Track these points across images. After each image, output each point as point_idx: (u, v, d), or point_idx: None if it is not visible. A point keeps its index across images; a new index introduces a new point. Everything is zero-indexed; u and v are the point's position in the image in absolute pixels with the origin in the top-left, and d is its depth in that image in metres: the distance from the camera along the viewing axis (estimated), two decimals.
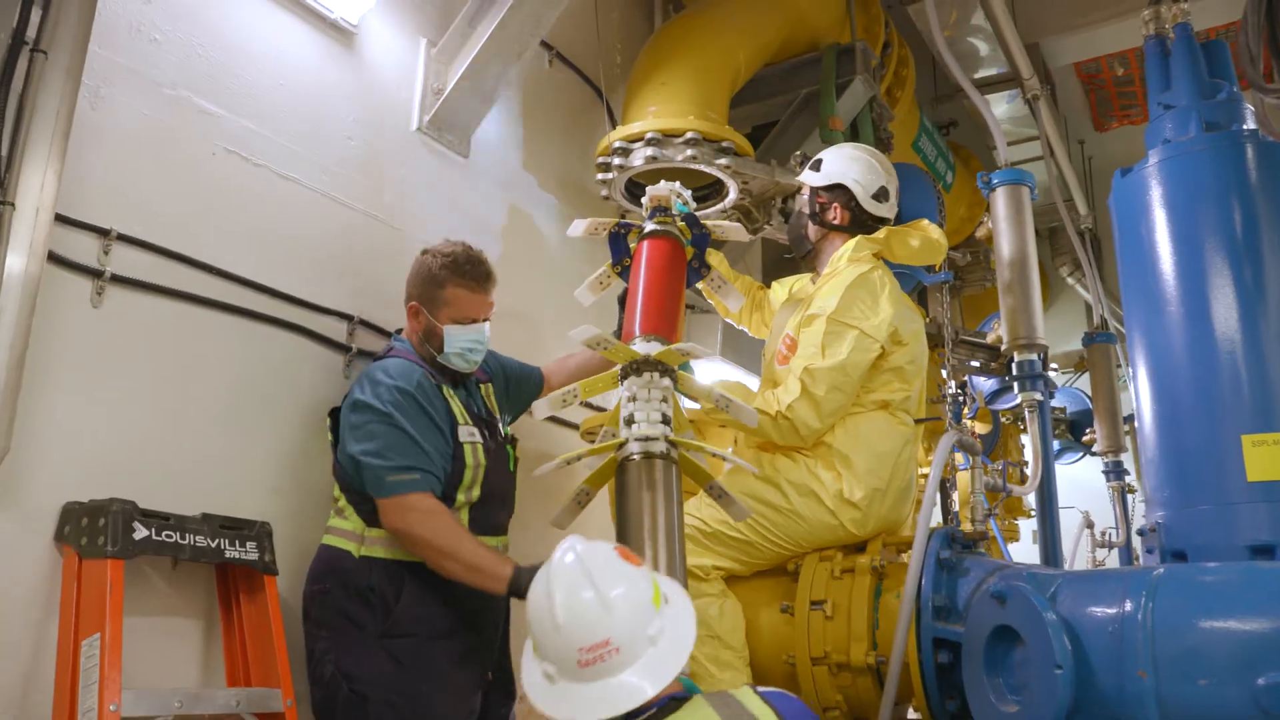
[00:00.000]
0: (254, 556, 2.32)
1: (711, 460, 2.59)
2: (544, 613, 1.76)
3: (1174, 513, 2.51)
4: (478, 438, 2.66)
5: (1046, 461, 3.25)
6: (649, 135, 3.45)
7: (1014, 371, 3.39)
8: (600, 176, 3.64)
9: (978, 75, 6.13)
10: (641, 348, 2.45)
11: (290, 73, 2.87)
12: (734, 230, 3.02)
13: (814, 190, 3.23)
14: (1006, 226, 3.42)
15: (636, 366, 2.41)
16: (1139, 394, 2.66)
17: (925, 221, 3.13)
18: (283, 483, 2.66)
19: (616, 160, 3.53)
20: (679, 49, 3.74)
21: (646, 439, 2.33)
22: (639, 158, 3.49)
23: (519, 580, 2.33)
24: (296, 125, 2.87)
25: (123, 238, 2.35)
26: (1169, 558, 2.49)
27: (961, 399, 5.11)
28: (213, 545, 2.23)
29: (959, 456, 5.05)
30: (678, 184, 2.89)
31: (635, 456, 2.31)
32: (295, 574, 2.57)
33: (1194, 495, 2.48)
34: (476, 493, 2.61)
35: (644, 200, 2.87)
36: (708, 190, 3.83)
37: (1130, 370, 2.71)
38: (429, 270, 2.69)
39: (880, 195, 3.14)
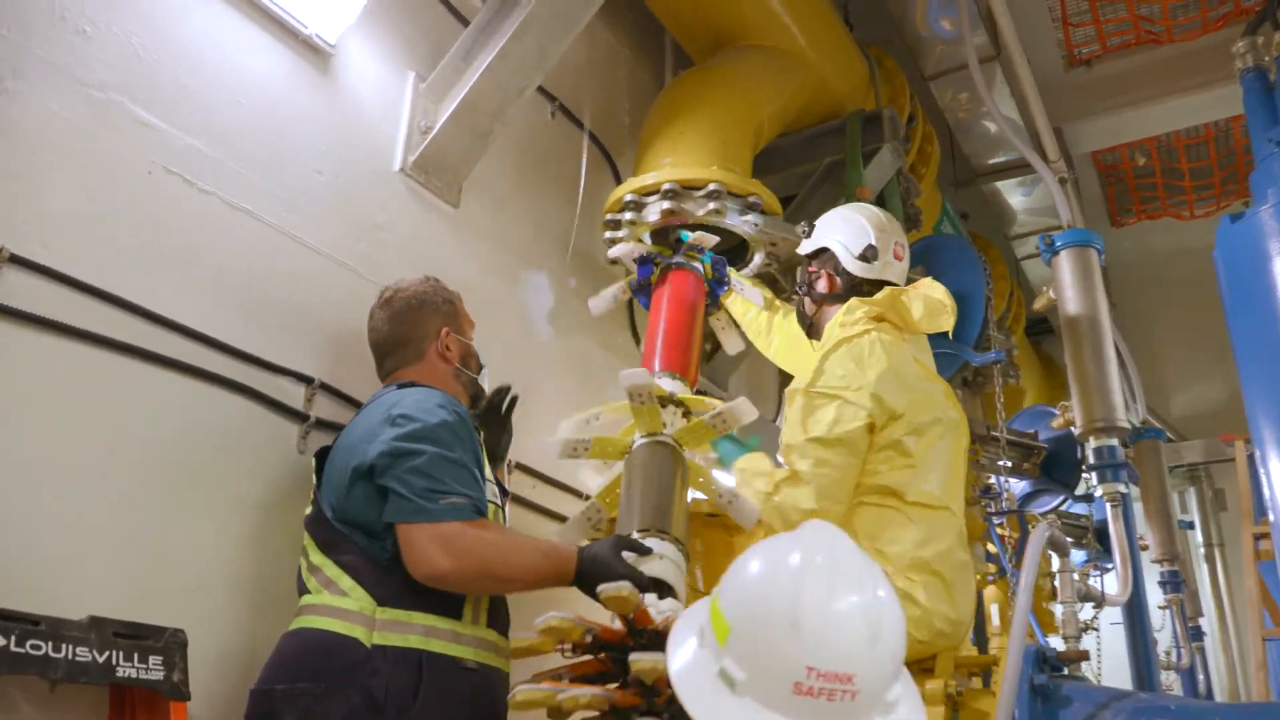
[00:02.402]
0: (157, 675, 1.74)
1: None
2: (776, 600, 1.30)
3: None
4: (499, 499, 2.23)
5: (1135, 565, 2.74)
6: (666, 186, 3.04)
7: (1090, 460, 2.89)
8: (608, 235, 3.21)
9: (994, 160, 5.82)
10: (669, 385, 2.56)
11: (251, 89, 2.44)
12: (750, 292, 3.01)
13: (805, 260, 2.90)
14: (1075, 294, 2.98)
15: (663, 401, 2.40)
16: (1274, 482, 2.17)
17: (928, 280, 2.69)
18: (210, 580, 2.10)
19: (628, 215, 3.11)
20: (699, 99, 3.37)
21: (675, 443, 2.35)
22: (654, 212, 3.07)
23: (585, 565, 1.93)
24: (254, 150, 2.42)
25: (17, 260, 1.85)
26: None
27: (989, 503, 4.60)
28: (99, 660, 1.65)
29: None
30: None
31: (666, 441, 2.33)
32: (217, 699, 2.00)
33: None
34: None
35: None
36: (728, 254, 3.41)
37: (1260, 454, 2.22)
38: (436, 294, 2.43)
39: (867, 255, 2.73)
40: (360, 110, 2.76)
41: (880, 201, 4.19)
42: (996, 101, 5.12)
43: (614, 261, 3.28)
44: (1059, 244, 3.06)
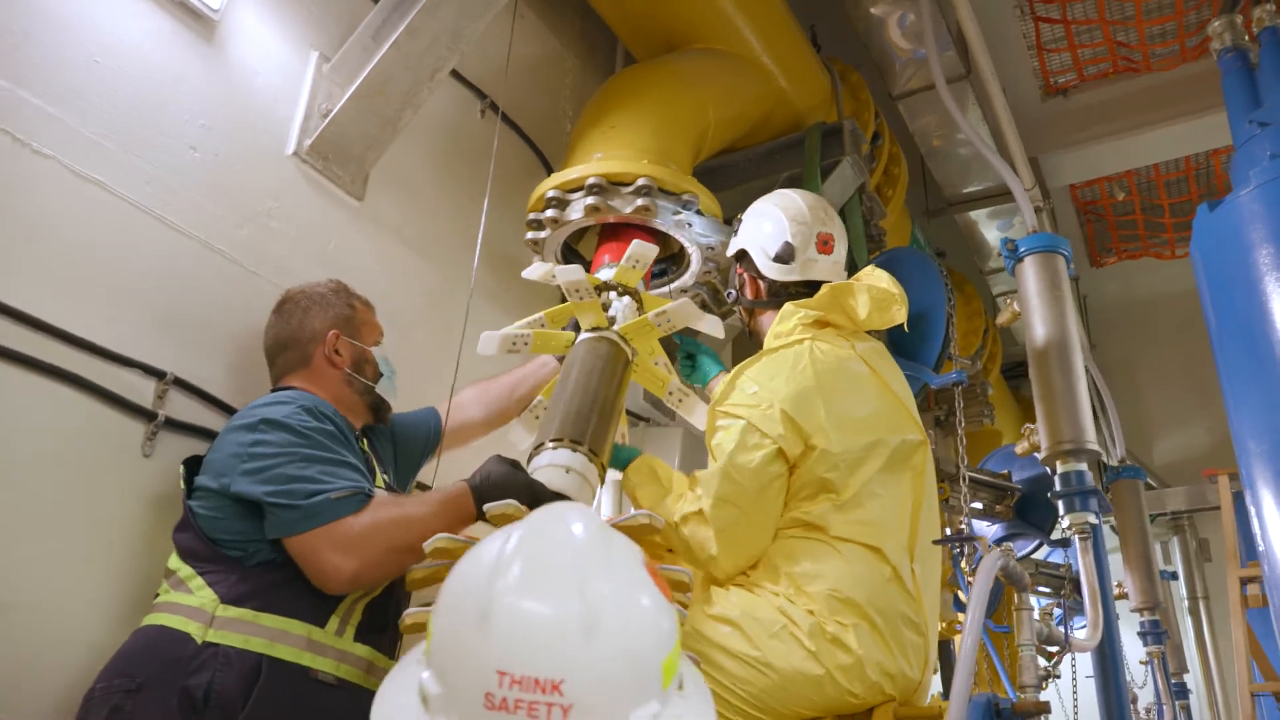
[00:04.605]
0: None
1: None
2: (468, 590, 1.03)
3: None
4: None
5: (1107, 606, 2.43)
6: (590, 181, 2.77)
7: (1057, 487, 2.60)
8: (530, 236, 2.94)
9: (968, 189, 5.59)
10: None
11: (112, 50, 2.17)
12: (701, 320, 2.34)
13: (733, 262, 2.61)
14: (1040, 304, 2.70)
15: (621, 290, 2.31)
16: (1262, 508, 1.87)
17: (869, 269, 2.37)
18: (11, 595, 1.79)
19: (550, 213, 2.83)
20: (636, 92, 3.12)
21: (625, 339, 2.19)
22: (578, 209, 2.79)
23: (483, 492, 1.80)
24: (112, 117, 2.14)
25: None
26: None
27: (959, 546, 4.27)
28: None
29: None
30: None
31: (609, 337, 2.16)
32: None
33: None
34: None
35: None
36: (665, 263, 3.13)
37: (1244, 472, 1.93)
38: (329, 297, 2.27)
39: (782, 255, 2.41)
40: (250, 86, 2.50)
41: (840, 219, 3.94)
42: (962, 135, 4.89)
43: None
44: (1023, 249, 2.78)
